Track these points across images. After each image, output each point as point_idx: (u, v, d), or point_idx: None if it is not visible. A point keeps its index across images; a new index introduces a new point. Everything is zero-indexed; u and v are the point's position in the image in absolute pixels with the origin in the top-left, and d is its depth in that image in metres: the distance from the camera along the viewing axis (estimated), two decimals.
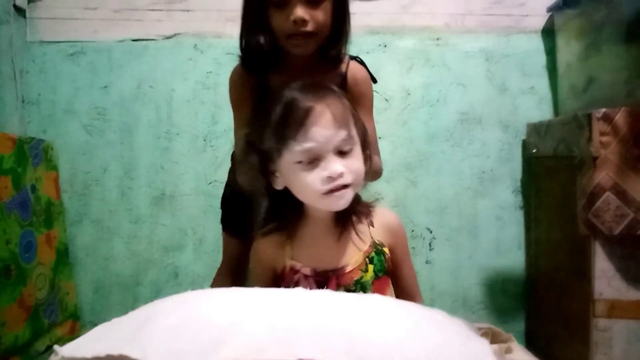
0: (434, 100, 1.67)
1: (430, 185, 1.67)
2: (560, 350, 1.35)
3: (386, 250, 0.94)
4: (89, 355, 0.63)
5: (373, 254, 0.93)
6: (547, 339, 1.46)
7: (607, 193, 1.11)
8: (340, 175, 0.84)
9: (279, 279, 0.94)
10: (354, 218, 0.94)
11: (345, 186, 0.86)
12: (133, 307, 0.78)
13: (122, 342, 0.65)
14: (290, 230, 0.94)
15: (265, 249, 0.95)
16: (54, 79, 1.68)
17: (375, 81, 1.14)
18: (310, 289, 0.86)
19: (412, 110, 1.67)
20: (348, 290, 0.91)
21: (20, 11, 1.63)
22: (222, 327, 0.66)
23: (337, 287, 0.91)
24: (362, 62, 1.13)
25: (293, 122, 0.84)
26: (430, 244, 1.67)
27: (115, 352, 0.63)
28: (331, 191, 0.85)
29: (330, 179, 0.84)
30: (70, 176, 1.68)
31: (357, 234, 0.93)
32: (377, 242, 0.94)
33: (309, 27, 0.98)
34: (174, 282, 1.68)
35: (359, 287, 0.91)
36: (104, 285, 1.70)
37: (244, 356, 0.61)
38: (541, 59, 1.67)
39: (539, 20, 1.66)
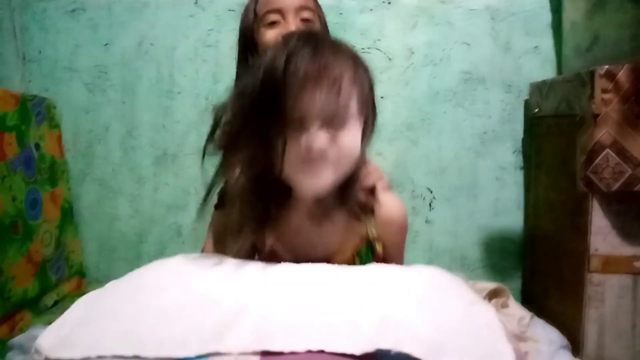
0: (438, 59, 1.66)
1: (431, 145, 1.67)
2: (554, 306, 1.37)
3: (379, 246, 0.83)
4: (77, 357, 0.57)
5: (363, 248, 0.82)
6: (542, 295, 1.49)
7: (607, 150, 1.11)
8: (321, 151, 0.70)
9: (255, 251, 0.84)
10: (348, 206, 0.80)
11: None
12: (137, 265, 0.78)
13: (113, 336, 0.58)
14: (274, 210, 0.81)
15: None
16: (55, 36, 1.66)
17: None
18: None
19: (415, 69, 1.66)
20: None
21: None
22: (226, 310, 0.60)
23: None
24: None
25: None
26: (430, 204, 1.68)
27: (107, 352, 0.56)
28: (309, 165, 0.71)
29: (308, 153, 0.70)
30: (73, 135, 1.69)
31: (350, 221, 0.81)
32: (370, 236, 0.82)
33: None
34: (177, 240, 1.70)
35: None
36: (108, 243, 1.73)
37: (251, 345, 0.56)
38: (546, 17, 1.64)
39: None
